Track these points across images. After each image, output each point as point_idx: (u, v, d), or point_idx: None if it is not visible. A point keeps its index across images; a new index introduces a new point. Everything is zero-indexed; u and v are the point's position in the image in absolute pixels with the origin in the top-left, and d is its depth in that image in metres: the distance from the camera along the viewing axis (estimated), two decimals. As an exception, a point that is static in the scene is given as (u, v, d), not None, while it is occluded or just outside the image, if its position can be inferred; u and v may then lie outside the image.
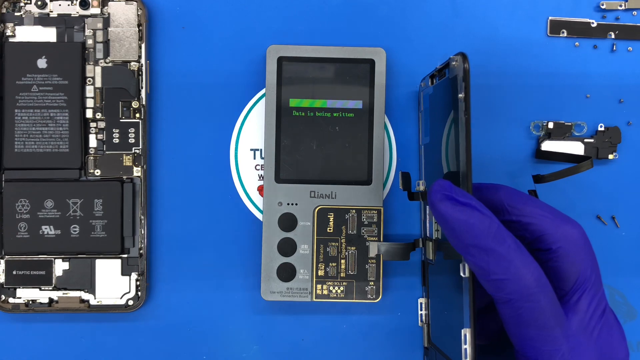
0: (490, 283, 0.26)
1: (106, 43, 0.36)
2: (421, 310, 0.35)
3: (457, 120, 0.29)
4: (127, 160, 0.36)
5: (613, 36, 0.37)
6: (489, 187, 0.30)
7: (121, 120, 0.36)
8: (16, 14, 0.36)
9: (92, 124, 0.36)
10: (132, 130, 0.36)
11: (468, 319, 0.27)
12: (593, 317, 0.28)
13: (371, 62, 0.35)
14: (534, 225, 0.28)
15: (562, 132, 0.37)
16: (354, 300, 0.35)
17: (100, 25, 0.36)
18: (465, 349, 0.27)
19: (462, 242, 0.26)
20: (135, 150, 0.36)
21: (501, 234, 0.26)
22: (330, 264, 0.35)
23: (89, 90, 0.36)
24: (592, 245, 0.29)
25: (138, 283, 0.36)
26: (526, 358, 0.27)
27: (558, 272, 0.28)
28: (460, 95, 0.28)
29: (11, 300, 0.36)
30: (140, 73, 0.36)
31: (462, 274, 0.28)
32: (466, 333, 0.27)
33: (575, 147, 0.37)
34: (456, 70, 0.29)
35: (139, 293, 0.36)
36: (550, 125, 0.37)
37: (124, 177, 0.36)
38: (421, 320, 0.35)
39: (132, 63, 0.36)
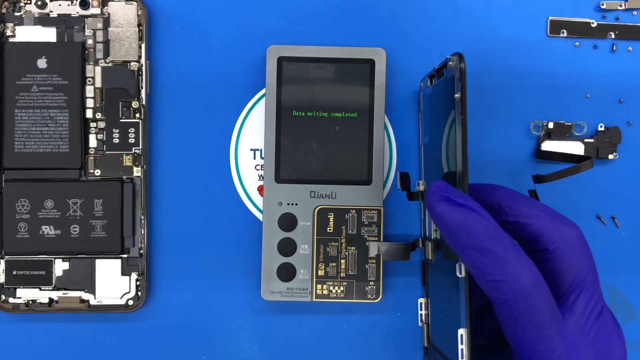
0: (487, 284, 0.26)
1: (106, 43, 0.36)
2: (421, 310, 0.35)
3: (455, 120, 0.29)
4: (127, 160, 0.36)
5: (613, 36, 0.37)
6: (486, 187, 0.30)
7: (121, 120, 0.36)
8: (16, 14, 0.36)
9: (92, 124, 0.36)
10: (132, 130, 0.36)
11: (464, 319, 0.27)
12: (590, 317, 0.28)
13: (371, 62, 0.35)
14: (531, 226, 0.28)
15: (562, 132, 0.37)
16: (354, 300, 0.35)
17: (100, 25, 0.36)
18: (462, 349, 0.27)
19: (459, 243, 0.26)
20: (135, 150, 0.36)
21: (498, 234, 0.26)
22: (330, 264, 0.35)
23: (89, 90, 0.36)
24: (590, 246, 0.29)
25: (138, 283, 0.36)
26: (523, 358, 0.27)
27: (555, 272, 0.28)
28: (456, 95, 0.28)
29: (11, 300, 0.36)
30: (140, 73, 0.36)
31: (457, 274, 0.28)
32: (462, 333, 0.27)
33: (575, 147, 0.37)
34: (453, 70, 0.29)
35: (139, 293, 0.36)
36: (550, 125, 0.37)
37: (124, 177, 0.36)
38: (421, 320, 0.35)
39: (132, 63, 0.36)
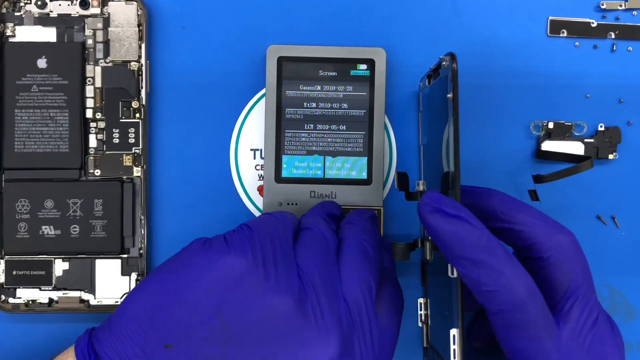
0: (481, 294, 0.26)
1: (106, 43, 0.36)
2: (421, 310, 0.35)
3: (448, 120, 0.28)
4: (127, 160, 0.36)
5: (613, 36, 0.37)
6: (483, 192, 0.30)
7: (121, 120, 0.36)
8: (16, 14, 0.36)
9: (92, 124, 0.36)
10: (132, 130, 0.36)
11: (457, 319, 0.27)
12: (585, 325, 0.28)
13: (371, 62, 0.35)
14: (525, 233, 0.28)
15: (562, 132, 0.37)
16: (353, 300, 0.35)
17: (100, 25, 0.36)
18: (454, 350, 0.27)
19: (452, 253, 0.26)
20: (135, 150, 0.36)
21: (491, 245, 0.26)
22: (330, 264, 0.35)
23: (89, 90, 0.36)
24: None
25: (138, 283, 0.36)
26: None
27: (549, 280, 0.28)
28: (448, 95, 0.28)
29: (11, 300, 0.36)
30: (140, 73, 0.36)
31: (449, 274, 0.27)
32: (454, 333, 0.27)
33: (575, 147, 0.37)
34: (447, 70, 0.29)
35: (139, 293, 0.36)
36: (550, 125, 0.37)
37: (124, 177, 0.36)
38: (421, 320, 0.35)
39: (132, 63, 0.36)
